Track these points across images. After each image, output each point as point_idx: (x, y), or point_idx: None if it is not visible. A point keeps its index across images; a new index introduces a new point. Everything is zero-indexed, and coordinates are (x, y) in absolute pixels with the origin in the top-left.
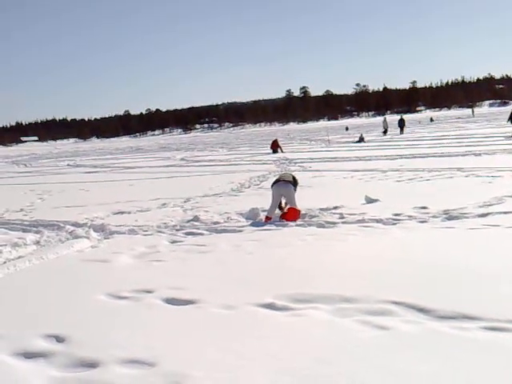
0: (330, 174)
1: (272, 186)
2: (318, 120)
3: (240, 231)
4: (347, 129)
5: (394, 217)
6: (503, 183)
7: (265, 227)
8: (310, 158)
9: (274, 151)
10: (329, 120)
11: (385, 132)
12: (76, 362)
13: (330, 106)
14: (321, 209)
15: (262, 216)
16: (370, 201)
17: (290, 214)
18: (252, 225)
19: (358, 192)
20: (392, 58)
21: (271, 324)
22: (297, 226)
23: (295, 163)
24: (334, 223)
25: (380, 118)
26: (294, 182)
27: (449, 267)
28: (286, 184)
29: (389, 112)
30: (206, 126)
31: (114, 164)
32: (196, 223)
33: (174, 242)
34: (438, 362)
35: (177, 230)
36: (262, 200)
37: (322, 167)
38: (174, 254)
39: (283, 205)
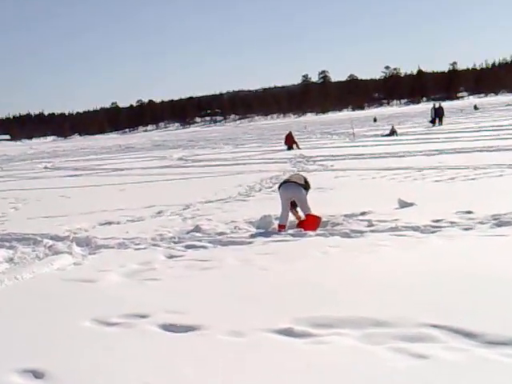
0: (356, 173)
1: (279, 187)
2: (340, 110)
3: (250, 243)
4: (375, 120)
5: (433, 223)
6: None
7: (279, 238)
8: (332, 156)
9: (289, 147)
10: (353, 110)
11: (432, 121)
12: None
13: (355, 94)
14: (345, 215)
15: (276, 225)
16: (404, 205)
17: (309, 222)
18: (264, 235)
19: (390, 194)
20: (428, 35)
21: (288, 354)
22: (317, 235)
23: (314, 161)
24: (362, 232)
25: (414, 107)
26: (306, 186)
27: (500, 283)
28: (295, 186)
29: (425, 99)
30: (207, 119)
31: (99, 166)
32: (197, 234)
33: (171, 256)
34: None
35: (175, 243)
36: (276, 206)
37: (345, 166)
38: (172, 272)
39: (298, 211)
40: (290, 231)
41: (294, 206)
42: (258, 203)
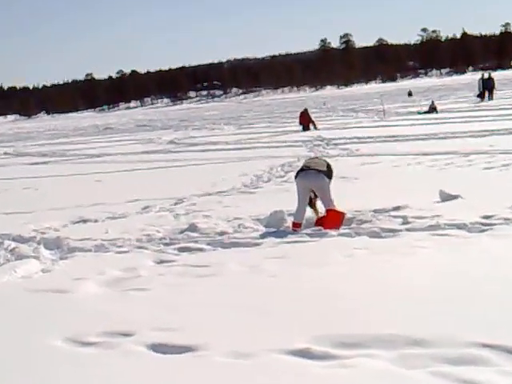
0: (387, 159)
1: (296, 176)
2: (367, 82)
3: (257, 245)
4: (410, 94)
5: (483, 220)
6: None
7: (293, 238)
8: (357, 138)
9: (305, 128)
10: (383, 82)
11: (480, 95)
12: None
13: (385, 62)
14: (374, 210)
15: (289, 222)
16: (446, 197)
17: (330, 219)
18: (275, 235)
19: (429, 185)
20: None
21: (306, 379)
22: (340, 235)
23: (335, 145)
24: (395, 231)
25: (458, 78)
26: (328, 173)
27: None
28: (315, 174)
29: (470, 68)
30: (204, 93)
31: (72, 151)
32: (193, 234)
33: (161, 261)
34: None
35: (165, 245)
36: (289, 199)
37: (374, 150)
38: (162, 280)
39: (317, 205)
40: (307, 230)
41: (312, 200)
42: (267, 196)
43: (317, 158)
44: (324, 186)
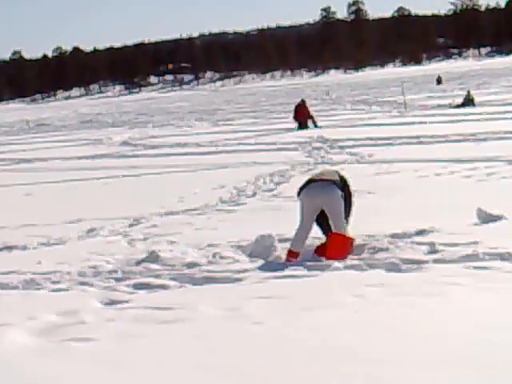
0: (409, 167)
1: (299, 192)
2: (383, 65)
3: (238, 281)
4: (440, 81)
5: None
6: None
7: (285, 272)
8: (370, 139)
9: (301, 125)
10: (404, 65)
11: None
12: None
13: (407, 39)
14: (392, 235)
15: (280, 251)
16: (486, 218)
17: (334, 246)
18: (261, 268)
19: (464, 201)
20: None
21: None
22: (346, 268)
23: (341, 148)
24: (419, 263)
25: (502, 61)
26: (342, 184)
27: None
28: (326, 186)
29: None
30: (169, 78)
31: None
32: (153, 266)
33: (111, 302)
34: None
35: (117, 281)
36: (280, 219)
37: (393, 155)
38: (112, 327)
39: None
40: (304, 261)
41: (323, 224)
42: (252, 216)
43: (327, 169)
44: (335, 201)
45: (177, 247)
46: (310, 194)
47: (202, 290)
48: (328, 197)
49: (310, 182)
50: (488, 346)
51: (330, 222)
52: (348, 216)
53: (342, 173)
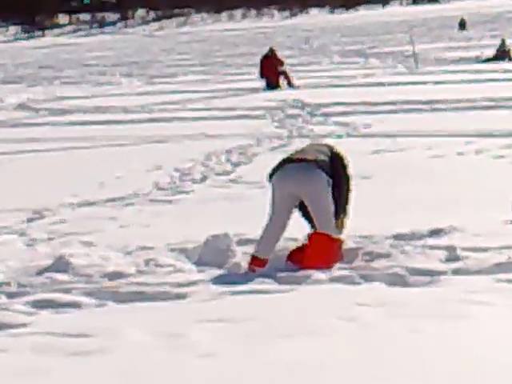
0: (420, 143)
1: (270, 176)
2: (384, 3)
3: (182, 297)
4: (463, 26)
5: None
6: None
7: (248, 286)
8: (366, 104)
9: (271, 84)
10: (414, 3)
11: None
12: None
13: None
14: (396, 236)
15: (242, 257)
16: None
17: (316, 251)
18: (215, 280)
19: (495, 191)
20: None
21: None
22: (333, 281)
23: (326, 116)
24: (434, 274)
25: None
26: (332, 166)
27: None
28: (307, 169)
29: None
30: (84, 18)
31: None
32: (62, 277)
33: (2, 326)
34: None
35: (10, 296)
36: (240, 214)
37: (398, 127)
38: (3, 361)
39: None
40: (274, 270)
41: (308, 219)
42: (201, 208)
43: (314, 144)
44: (318, 190)
45: (94, 251)
46: (284, 178)
47: (129, 309)
48: (308, 184)
49: (286, 161)
50: None
51: (314, 219)
52: (343, 207)
53: (337, 148)
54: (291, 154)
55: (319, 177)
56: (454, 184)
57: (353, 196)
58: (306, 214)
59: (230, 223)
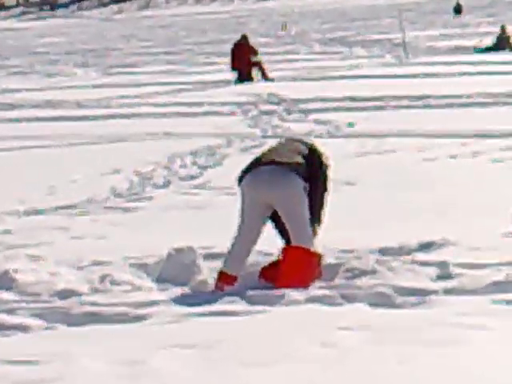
0: (410, 144)
1: (239, 180)
2: None
3: (141, 319)
4: (459, 10)
5: None
6: None
7: (216, 307)
8: (351, 99)
9: (242, 76)
10: None
11: None
12: None
13: None
14: (382, 250)
15: (209, 273)
16: None
17: (291, 267)
18: (178, 300)
19: (495, 199)
20: None
21: None
22: (310, 301)
23: (305, 113)
24: (425, 293)
25: None
26: (310, 168)
27: None
28: (280, 173)
29: None
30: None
31: None
32: (5, 295)
33: None
34: None
35: None
36: (207, 225)
37: (384, 125)
38: None
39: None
40: (245, 289)
41: (282, 230)
42: (163, 218)
43: (289, 140)
44: (292, 198)
45: (43, 266)
46: (254, 183)
47: (82, 333)
48: (281, 191)
49: (257, 163)
50: None
51: (288, 230)
52: (317, 212)
53: (315, 145)
54: (263, 154)
55: (294, 182)
56: (447, 191)
57: (329, 199)
58: (279, 225)
59: (195, 235)
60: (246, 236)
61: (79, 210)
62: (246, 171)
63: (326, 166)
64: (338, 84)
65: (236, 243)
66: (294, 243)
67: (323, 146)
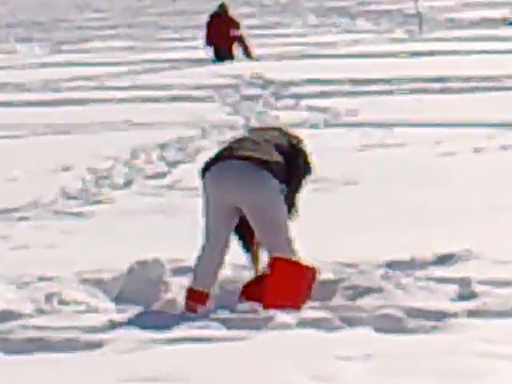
0: (424, 135)
1: (203, 174)
2: None
3: (96, 347)
4: None
5: None
6: None
7: (187, 332)
8: (351, 81)
9: (221, 54)
10: None
11: None
12: None
13: None
14: (391, 264)
15: (178, 291)
16: None
17: (279, 284)
18: (141, 323)
19: None
20: None
21: None
22: (302, 325)
23: (296, 98)
24: (443, 316)
25: None
26: (288, 165)
27: None
28: (250, 171)
29: None
30: None
31: None
32: None
33: None
34: None
35: None
36: (176, 233)
37: (393, 113)
38: None
39: (260, 253)
40: (221, 310)
41: (246, 231)
42: (123, 224)
43: (265, 129)
44: (267, 202)
45: None
46: (220, 180)
47: (25, 362)
48: (253, 194)
49: (226, 154)
50: None
51: (259, 237)
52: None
53: (294, 134)
54: (233, 142)
55: (269, 183)
56: (469, 192)
57: (301, 193)
58: (243, 233)
59: (162, 245)
60: (214, 244)
61: (21, 214)
62: (212, 162)
63: (309, 163)
64: (337, 63)
65: (203, 253)
66: (273, 254)
67: (319, 137)
